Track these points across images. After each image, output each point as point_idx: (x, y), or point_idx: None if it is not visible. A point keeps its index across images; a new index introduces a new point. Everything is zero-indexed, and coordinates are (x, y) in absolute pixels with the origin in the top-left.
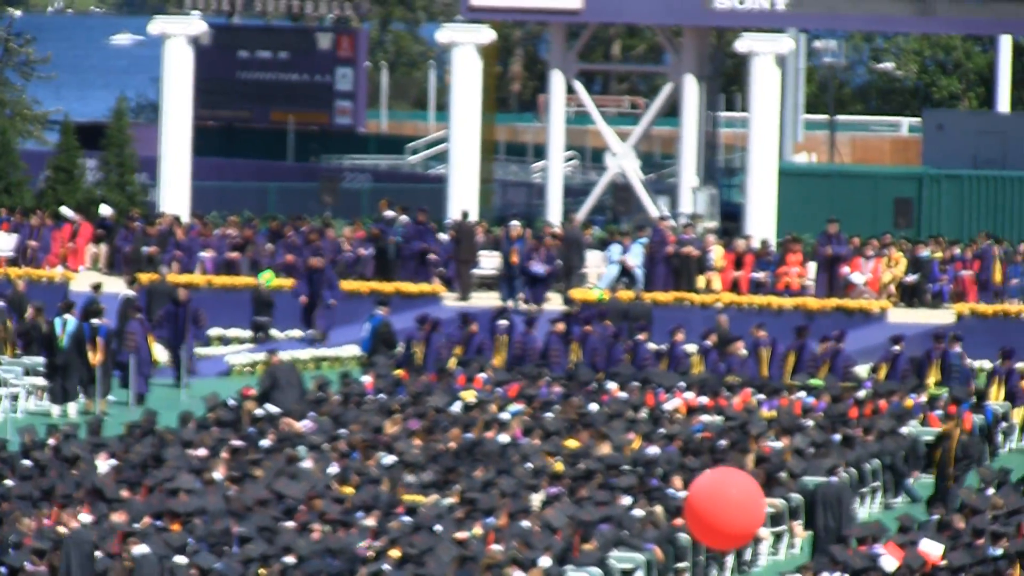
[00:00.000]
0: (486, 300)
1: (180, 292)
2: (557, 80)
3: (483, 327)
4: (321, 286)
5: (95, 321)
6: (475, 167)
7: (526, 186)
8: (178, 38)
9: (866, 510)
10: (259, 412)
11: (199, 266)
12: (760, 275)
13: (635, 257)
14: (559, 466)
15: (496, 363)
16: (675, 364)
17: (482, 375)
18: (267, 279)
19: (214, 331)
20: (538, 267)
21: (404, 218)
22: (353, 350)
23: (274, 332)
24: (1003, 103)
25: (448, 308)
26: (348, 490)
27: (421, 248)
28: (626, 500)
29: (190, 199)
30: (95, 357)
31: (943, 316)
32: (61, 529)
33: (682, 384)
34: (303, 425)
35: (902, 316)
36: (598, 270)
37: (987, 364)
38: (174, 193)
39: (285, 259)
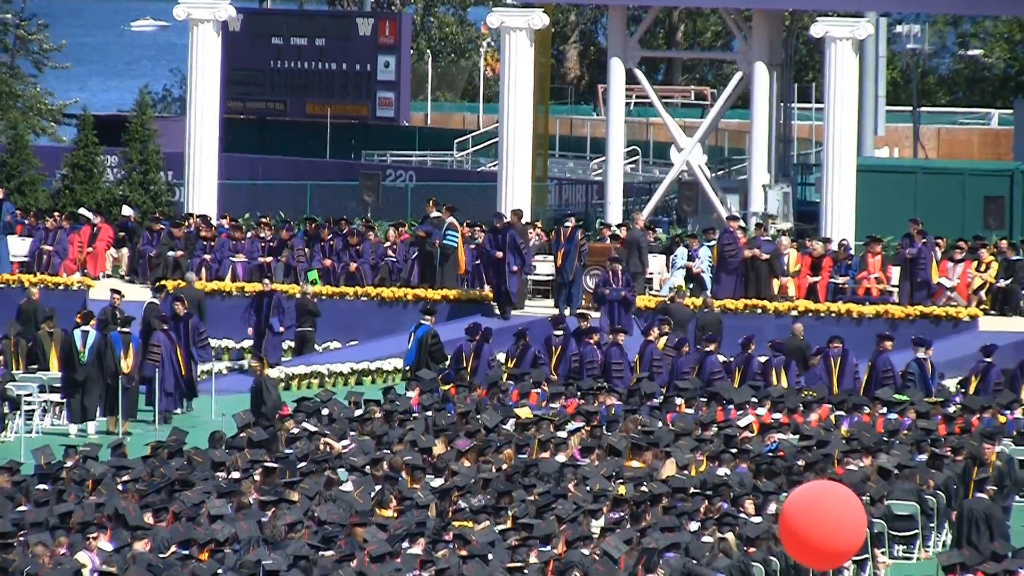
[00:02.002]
0: (541, 309)
1: (177, 306)
2: (617, 69)
3: (538, 338)
4: (268, 311)
5: (124, 330)
6: (528, 163)
7: (583, 184)
8: (206, 24)
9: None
10: (296, 430)
11: (229, 272)
12: (839, 280)
13: (703, 262)
14: (621, 489)
15: (552, 377)
16: (746, 378)
17: (537, 390)
18: (313, 280)
19: (246, 343)
20: (615, 292)
21: (451, 219)
22: (397, 363)
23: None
24: None
25: (500, 317)
26: (391, 516)
27: (496, 257)
28: (694, 526)
29: (219, 199)
30: (127, 365)
31: None
32: (81, 557)
33: (754, 399)
34: (343, 445)
35: (994, 324)
36: (662, 276)
37: None
38: (202, 192)
39: (323, 264)
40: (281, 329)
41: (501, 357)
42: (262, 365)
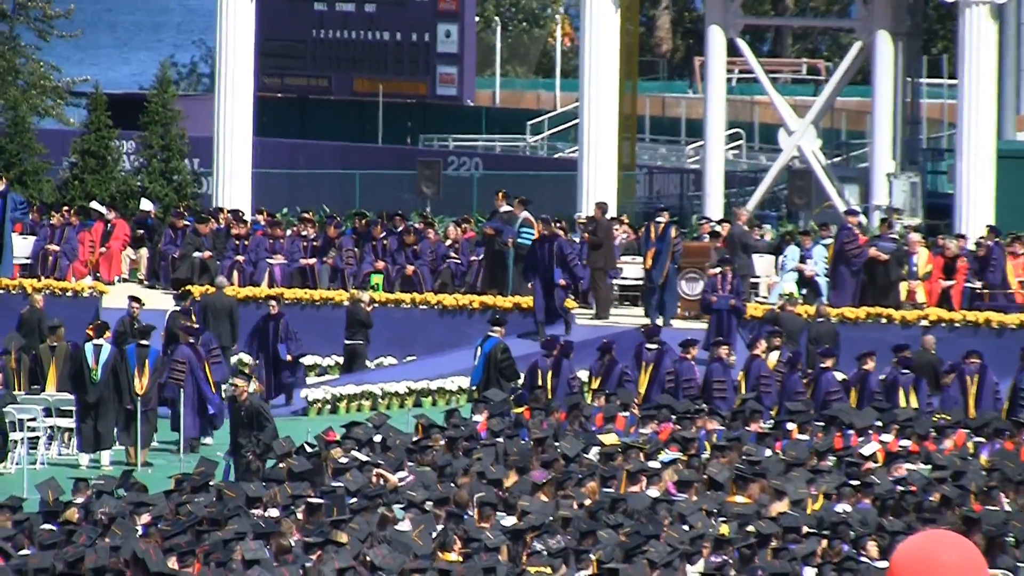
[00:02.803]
0: (629, 318)
1: (184, 320)
2: (716, 39)
3: (626, 352)
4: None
5: (143, 343)
6: (612, 149)
7: (678, 173)
8: None
9: None
10: (344, 460)
11: (266, 276)
12: (975, 285)
13: (817, 263)
14: (724, 529)
15: (642, 398)
16: (868, 399)
17: (625, 414)
18: (375, 285)
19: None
20: (724, 300)
21: (525, 214)
22: (462, 381)
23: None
24: None
25: (582, 329)
26: (456, 560)
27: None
28: (809, 573)
29: (253, 191)
30: (141, 384)
31: None
32: None
33: (878, 424)
34: (400, 477)
35: None
36: (770, 280)
37: None
38: (233, 183)
39: (375, 267)
40: (289, 357)
41: (583, 375)
42: (248, 382)
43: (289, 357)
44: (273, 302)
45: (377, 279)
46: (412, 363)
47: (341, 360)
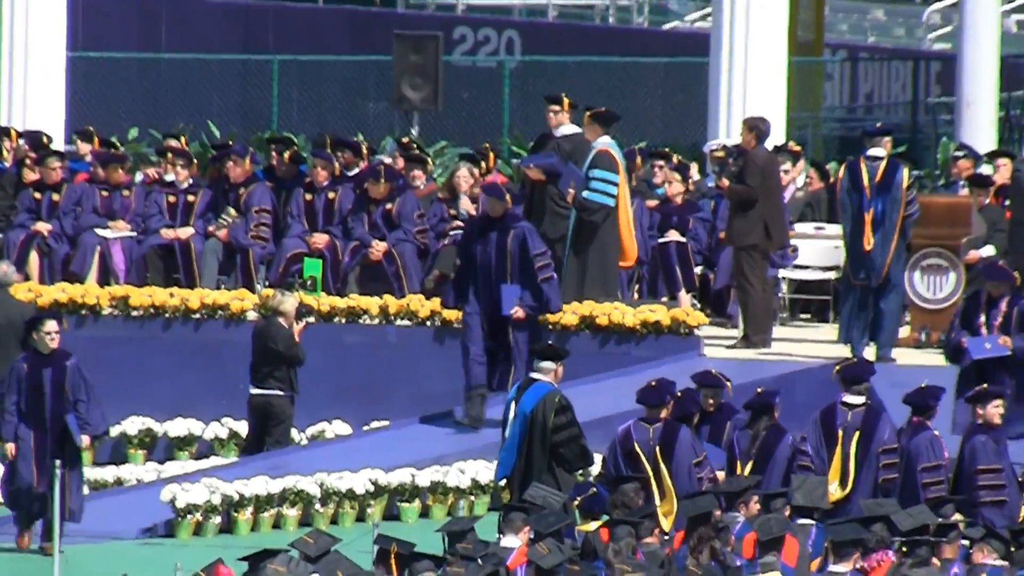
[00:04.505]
0: (809, 346)
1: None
2: None
3: (801, 412)
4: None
5: None
6: (781, 14)
7: (910, 59)
8: None
9: None
10: None
11: (94, 260)
12: None
13: None
14: None
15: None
16: None
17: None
18: (309, 280)
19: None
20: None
21: (603, 143)
22: (477, 470)
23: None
24: None
25: (716, 365)
26: None
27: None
28: None
29: (70, 95)
30: None
31: None
32: None
33: None
34: None
35: None
36: None
37: None
38: (30, 80)
39: (311, 244)
40: (86, 440)
41: (714, 455)
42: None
43: (86, 439)
44: (50, 326)
45: (313, 272)
46: (382, 433)
47: (241, 427)
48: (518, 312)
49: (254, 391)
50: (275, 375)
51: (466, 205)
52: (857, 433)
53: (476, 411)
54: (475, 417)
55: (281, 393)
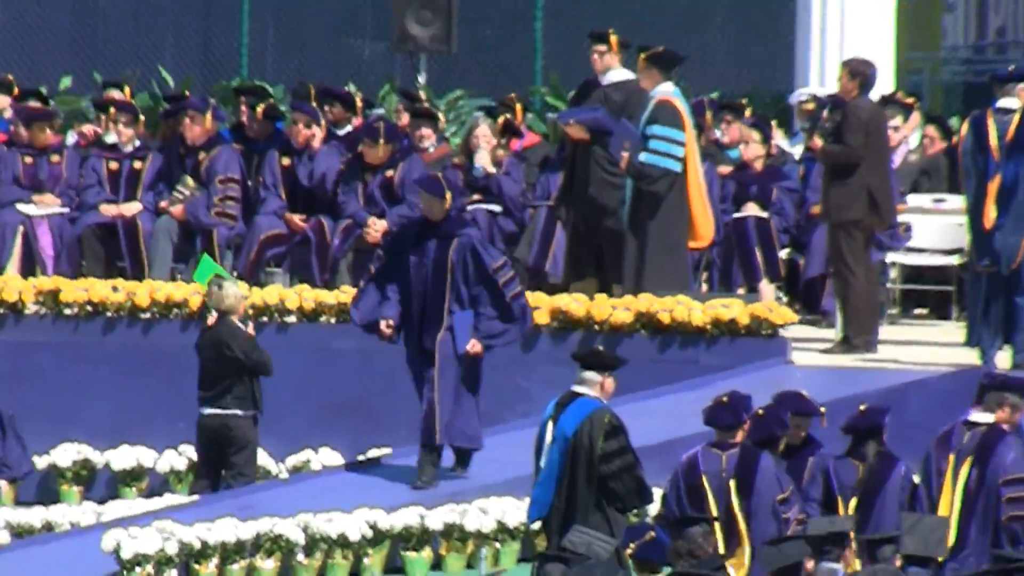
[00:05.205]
0: (922, 350)
1: None
2: None
3: (913, 435)
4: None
5: None
6: None
7: None
8: None
9: None
10: None
11: (16, 244)
12: None
13: None
14: None
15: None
16: None
17: None
18: (210, 278)
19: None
20: None
21: (663, 91)
22: (504, 509)
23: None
24: None
25: (805, 374)
26: None
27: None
28: None
29: None
30: None
31: None
32: None
33: None
34: None
35: None
36: None
37: None
38: None
39: (290, 222)
40: (3, 485)
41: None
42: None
43: (2, 484)
44: None
45: (209, 274)
46: (381, 463)
47: (195, 457)
48: (476, 347)
49: (206, 411)
50: (233, 390)
51: (484, 161)
52: (970, 459)
53: (427, 477)
54: (427, 483)
55: (241, 412)
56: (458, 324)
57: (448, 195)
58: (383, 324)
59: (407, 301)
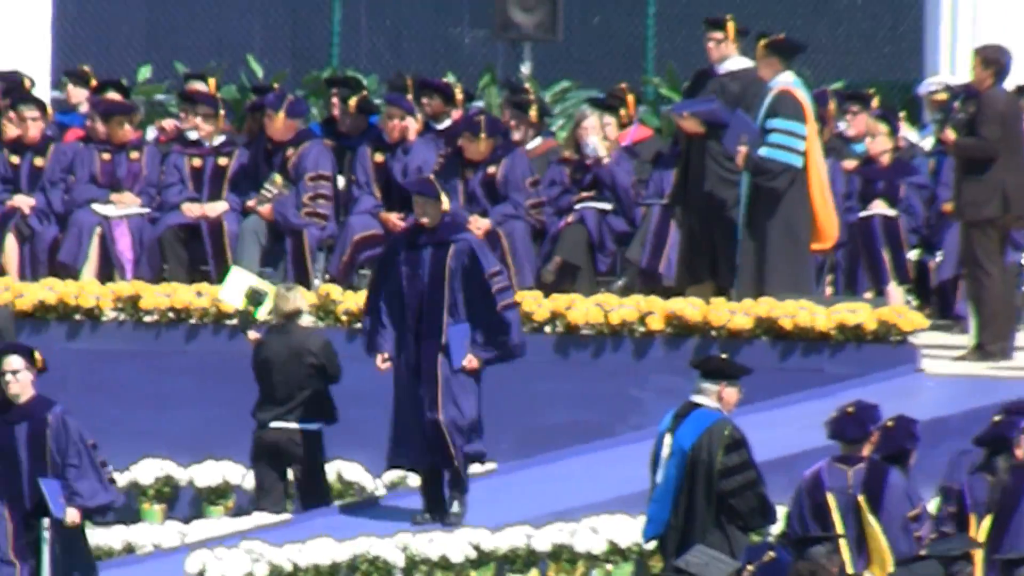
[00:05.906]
0: None
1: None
2: None
3: None
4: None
5: None
6: None
7: None
8: None
9: None
10: None
11: (93, 247)
12: None
13: None
14: None
15: None
16: None
17: None
18: (256, 306)
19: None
20: None
21: (784, 80)
22: (615, 528)
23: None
24: None
25: (938, 385)
26: None
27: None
28: None
29: (57, 25)
30: None
31: None
32: None
33: None
34: None
35: None
36: None
37: None
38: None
39: (388, 221)
40: (76, 519)
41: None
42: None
43: (75, 519)
44: (10, 363)
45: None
46: (484, 479)
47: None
48: (472, 362)
49: (276, 425)
50: (308, 401)
51: (596, 145)
52: None
53: (460, 508)
54: (459, 517)
55: (315, 425)
56: (453, 338)
57: (443, 197)
58: (379, 360)
59: (399, 317)
